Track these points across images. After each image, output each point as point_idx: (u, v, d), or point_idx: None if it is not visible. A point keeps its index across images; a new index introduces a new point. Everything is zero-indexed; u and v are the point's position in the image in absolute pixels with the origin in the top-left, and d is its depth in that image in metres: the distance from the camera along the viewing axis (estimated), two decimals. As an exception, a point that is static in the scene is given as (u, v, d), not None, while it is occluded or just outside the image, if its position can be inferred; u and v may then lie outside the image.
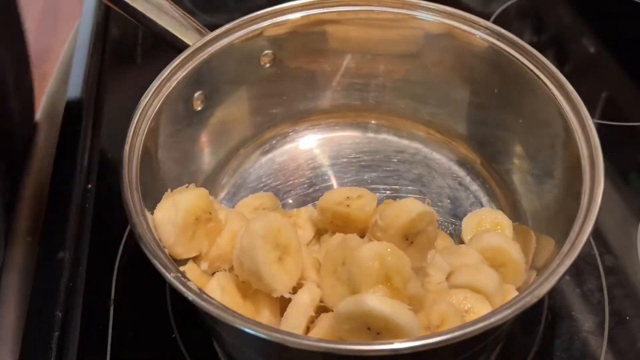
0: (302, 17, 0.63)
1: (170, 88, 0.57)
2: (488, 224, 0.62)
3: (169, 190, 0.54)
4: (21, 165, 0.79)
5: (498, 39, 0.60)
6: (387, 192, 0.68)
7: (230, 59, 0.62)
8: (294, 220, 0.62)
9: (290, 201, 0.68)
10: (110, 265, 0.65)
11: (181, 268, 0.50)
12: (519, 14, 0.93)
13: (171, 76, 0.58)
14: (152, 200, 0.54)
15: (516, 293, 0.54)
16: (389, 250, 0.47)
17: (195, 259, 0.53)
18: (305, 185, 0.70)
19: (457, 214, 0.66)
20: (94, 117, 0.79)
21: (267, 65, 0.66)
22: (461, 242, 0.63)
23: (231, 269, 0.53)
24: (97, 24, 0.91)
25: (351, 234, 0.53)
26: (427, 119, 0.71)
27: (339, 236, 0.55)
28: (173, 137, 0.60)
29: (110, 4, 0.65)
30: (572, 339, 0.58)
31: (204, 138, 0.66)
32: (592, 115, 0.64)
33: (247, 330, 0.42)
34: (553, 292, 0.61)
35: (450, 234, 0.64)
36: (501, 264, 0.56)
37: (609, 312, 0.60)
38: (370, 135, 0.74)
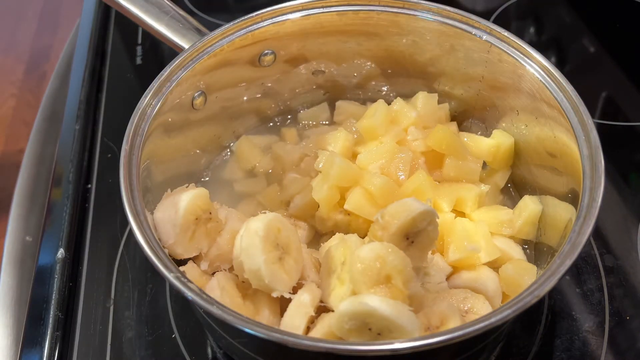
0: (302, 17, 0.63)
1: (170, 88, 0.57)
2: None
3: (169, 190, 0.55)
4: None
5: (498, 39, 0.59)
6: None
7: (230, 59, 0.62)
8: (294, 221, 0.62)
9: (290, 201, 0.68)
10: (110, 265, 0.65)
11: (181, 268, 0.50)
12: (519, 14, 0.93)
13: (171, 76, 0.58)
14: (152, 200, 0.54)
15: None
16: (389, 250, 0.47)
17: (195, 259, 0.53)
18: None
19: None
20: (93, 117, 0.80)
21: (267, 65, 0.65)
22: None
23: (231, 269, 0.53)
24: (97, 24, 0.91)
25: (351, 233, 0.53)
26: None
27: (339, 236, 0.55)
28: (173, 136, 0.60)
29: (110, 4, 0.65)
30: (572, 339, 0.58)
31: (203, 138, 0.66)
32: (592, 115, 0.64)
33: (247, 330, 0.42)
34: (553, 292, 0.61)
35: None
36: (501, 264, 0.56)
37: (609, 312, 0.60)
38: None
